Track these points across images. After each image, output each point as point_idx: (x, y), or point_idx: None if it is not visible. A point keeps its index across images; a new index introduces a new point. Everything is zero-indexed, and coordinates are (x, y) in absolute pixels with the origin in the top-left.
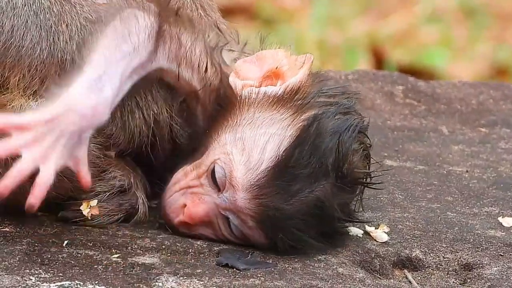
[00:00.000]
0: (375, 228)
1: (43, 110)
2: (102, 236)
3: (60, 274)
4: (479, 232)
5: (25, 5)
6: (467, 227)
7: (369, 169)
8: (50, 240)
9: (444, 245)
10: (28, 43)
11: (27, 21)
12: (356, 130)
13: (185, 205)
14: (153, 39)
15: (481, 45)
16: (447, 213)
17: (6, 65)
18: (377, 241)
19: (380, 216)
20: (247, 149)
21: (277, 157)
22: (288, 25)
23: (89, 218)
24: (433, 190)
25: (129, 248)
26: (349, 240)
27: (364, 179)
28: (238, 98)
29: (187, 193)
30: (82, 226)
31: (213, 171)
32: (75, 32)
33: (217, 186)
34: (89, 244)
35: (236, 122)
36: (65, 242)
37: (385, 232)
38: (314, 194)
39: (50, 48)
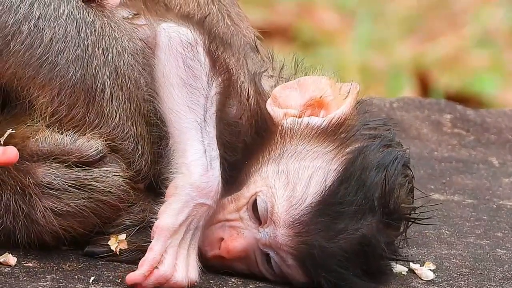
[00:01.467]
0: (421, 265)
1: (170, 212)
2: (131, 272)
3: None
4: None
5: (70, 15)
6: None
7: (413, 203)
8: (76, 276)
9: (494, 284)
10: (64, 62)
11: (67, 36)
12: (401, 162)
13: (222, 239)
14: (211, 73)
15: None
16: (497, 250)
17: (36, 83)
18: (422, 279)
19: (425, 253)
20: (291, 183)
21: (322, 193)
22: (328, 48)
23: (118, 253)
24: (482, 225)
25: None
26: (393, 278)
27: (410, 214)
28: (280, 128)
29: (225, 227)
30: (109, 261)
31: (254, 204)
32: (110, 59)
33: (258, 220)
34: (117, 280)
35: (278, 153)
36: (92, 278)
37: (430, 269)
38: (360, 232)
39: (82, 71)
